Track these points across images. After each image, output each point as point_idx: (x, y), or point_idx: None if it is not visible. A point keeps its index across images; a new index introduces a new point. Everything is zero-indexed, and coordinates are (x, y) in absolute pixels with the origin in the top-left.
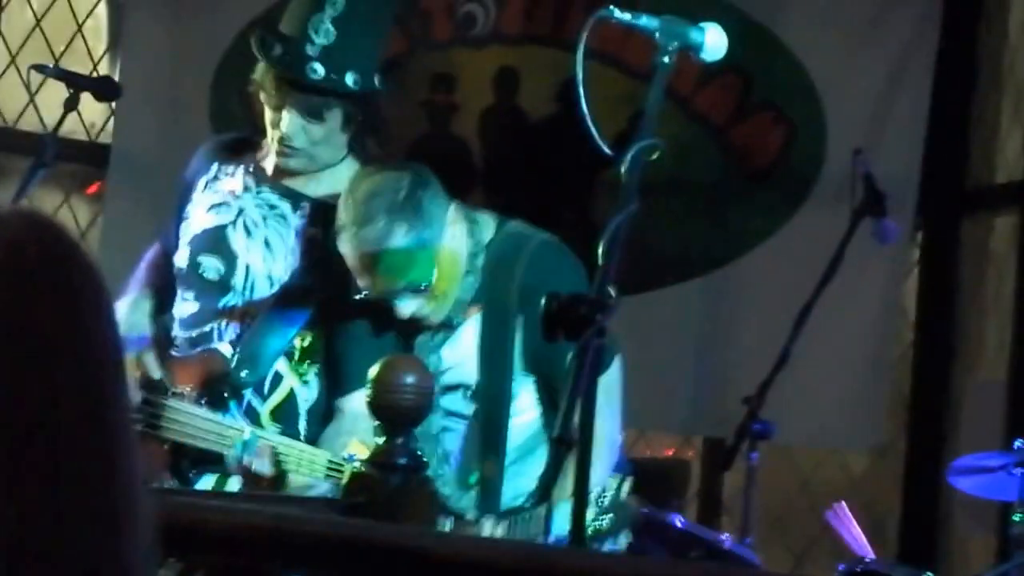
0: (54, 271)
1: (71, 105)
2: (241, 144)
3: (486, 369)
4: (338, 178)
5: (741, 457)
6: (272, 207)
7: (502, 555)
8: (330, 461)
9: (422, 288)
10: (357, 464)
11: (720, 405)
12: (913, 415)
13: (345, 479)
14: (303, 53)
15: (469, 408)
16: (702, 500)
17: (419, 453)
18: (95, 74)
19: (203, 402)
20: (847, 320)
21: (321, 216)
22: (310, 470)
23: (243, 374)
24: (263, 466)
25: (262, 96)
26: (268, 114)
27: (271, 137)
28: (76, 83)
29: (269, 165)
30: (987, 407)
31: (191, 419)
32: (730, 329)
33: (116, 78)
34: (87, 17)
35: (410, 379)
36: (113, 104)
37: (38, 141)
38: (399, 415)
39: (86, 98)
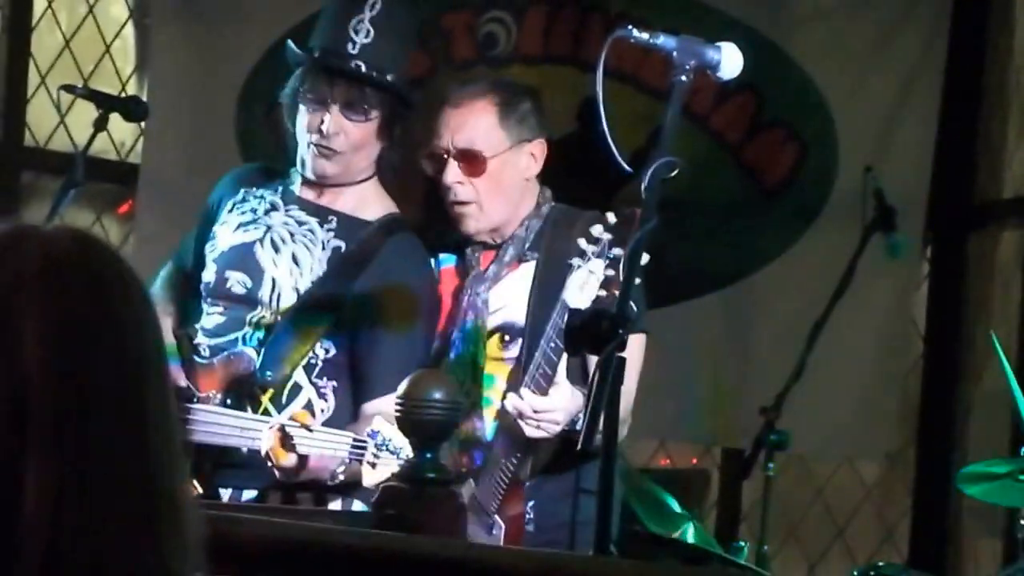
0: (91, 282)
1: (100, 125)
2: (267, 170)
3: (536, 313)
4: (363, 196)
5: (759, 467)
6: (300, 223)
7: (527, 563)
8: (354, 439)
9: (478, 159)
10: (381, 440)
11: (737, 416)
12: (923, 424)
13: (369, 456)
14: (345, 51)
15: (504, 351)
16: (721, 509)
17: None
18: (123, 94)
19: (227, 403)
20: (859, 333)
21: (348, 228)
22: (334, 449)
23: (267, 375)
24: (285, 460)
25: (301, 103)
26: (306, 119)
27: (306, 142)
28: (105, 103)
29: (296, 184)
30: (994, 416)
31: (215, 419)
32: (746, 342)
33: (144, 98)
34: (115, 38)
35: (438, 394)
36: (142, 123)
37: (69, 161)
38: (427, 430)
39: (115, 118)
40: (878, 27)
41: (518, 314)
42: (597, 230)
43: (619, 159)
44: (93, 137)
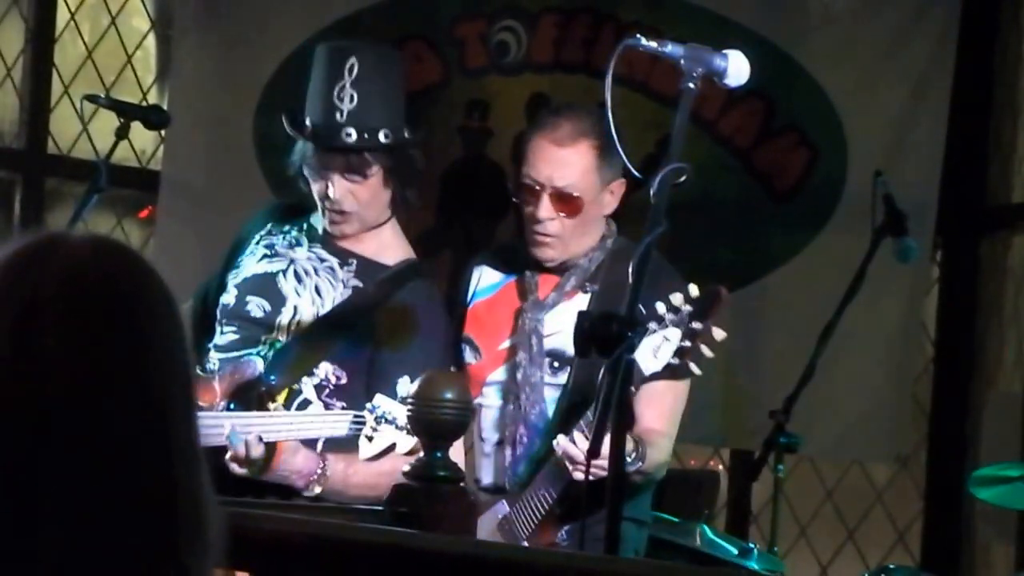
0: (112, 296)
1: (122, 133)
2: (295, 207)
3: None
4: (382, 239)
5: (769, 468)
6: (322, 260)
7: (539, 560)
8: (355, 415)
9: (575, 203)
10: (380, 413)
11: (748, 419)
12: (934, 426)
13: (367, 430)
14: (334, 122)
15: (552, 377)
16: (731, 510)
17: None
18: (145, 103)
19: (232, 408)
20: (870, 336)
21: (367, 271)
22: (333, 428)
23: (271, 378)
24: (257, 451)
25: (307, 173)
26: (316, 187)
27: (322, 208)
28: (127, 112)
29: (320, 226)
30: (1005, 418)
31: (215, 422)
32: (756, 345)
33: (165, 107)
34: (136, 48)
35: (449, 394)
36: (162, 132)
37: (92, 168)
38: (439, 429)
39: (136, 126)
40: (888, 33)
41: (569, 341)
42: (677, 299)
43: (629, 165)
44: (115, 145)
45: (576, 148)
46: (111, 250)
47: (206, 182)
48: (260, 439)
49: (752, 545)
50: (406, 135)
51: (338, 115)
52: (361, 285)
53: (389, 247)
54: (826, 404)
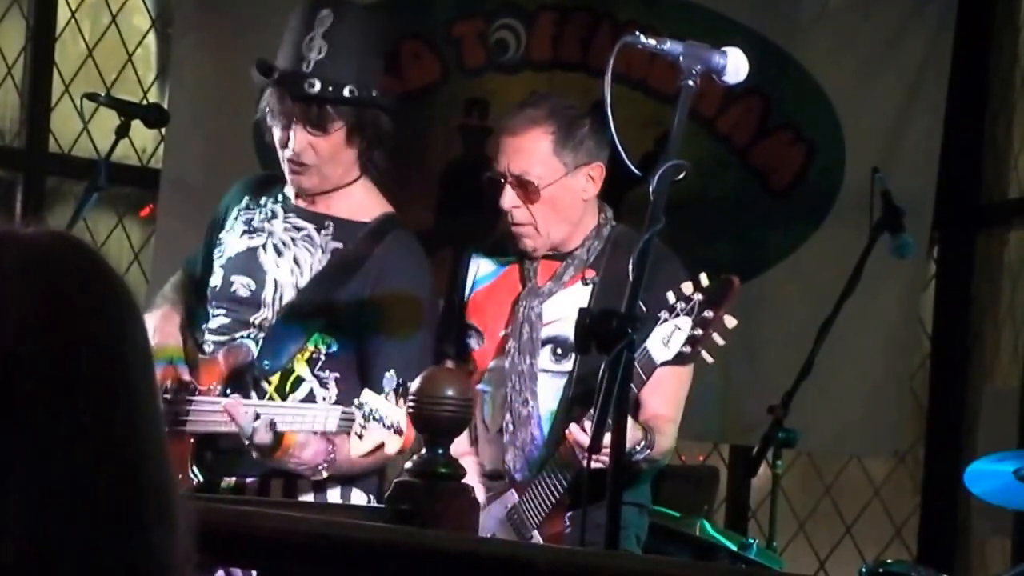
0: (75, 276)
1: (122, 132)
2: (270, 178)
3: None
4: (355, 198)
5: (767, 464)
6: (299, 229)
7: (541, 556)
8: (343, 411)
9: (531, 188)
10: (368, 410)
11: (746, 414)
12: (931, 422)
13: (356, 428)
14: (300, 71)
15: (555, 364)
16: (730, 506)
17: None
18: (145, 102)
19: (228, 393)
20: (867, 332)
21: (345, 231)
22: (324, 424)
23: (265, 363)
24: (264, 437)
25: (270, 121)
26: (278, 136)
27: (282, 158)
28: (127, 111)
29: (292, 192)
30: (1002, 414)
31: (213, 408)
32: (755, 341)
33: (165, 105)
34: (137, 47)
35: (450, 391)
36: (162, 130)
37: (92, 166)
38: (440, 426)
39: (137, 125)
40: (884, 30)
41: (571, 328)
42: (688, 288)
43: (628, 162)
44: (115, 143)
45: (528, 135)
46: (67, 238)
47: (206, 181)
48: (272, 425)
49: (751, 540)
50: (375, 95)
51: (304, 65)
52: (340, 246)
53: (363, 205)
54: (824, 400)
